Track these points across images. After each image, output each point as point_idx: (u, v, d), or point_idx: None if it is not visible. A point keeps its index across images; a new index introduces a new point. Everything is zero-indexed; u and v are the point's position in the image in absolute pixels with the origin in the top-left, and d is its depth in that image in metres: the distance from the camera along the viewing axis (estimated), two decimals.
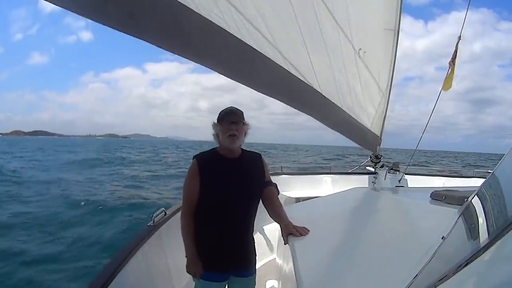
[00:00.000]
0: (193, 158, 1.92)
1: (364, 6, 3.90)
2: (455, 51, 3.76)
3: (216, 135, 1.92)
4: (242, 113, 1.92)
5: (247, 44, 2.34)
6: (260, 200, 1.98)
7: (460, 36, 3.70)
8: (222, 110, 1.92)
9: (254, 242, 2.03)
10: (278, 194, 2.03)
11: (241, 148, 1.98)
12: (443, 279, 0.82)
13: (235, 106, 1.95)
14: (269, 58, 2.59)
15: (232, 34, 2.20)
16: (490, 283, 0.71)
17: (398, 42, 4.48)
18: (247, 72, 2.64)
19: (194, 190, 1.85)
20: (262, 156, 2.07)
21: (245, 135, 1.93)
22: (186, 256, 1.90)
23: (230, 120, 1.86)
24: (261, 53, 2.50)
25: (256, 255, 2.04)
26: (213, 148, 1.98)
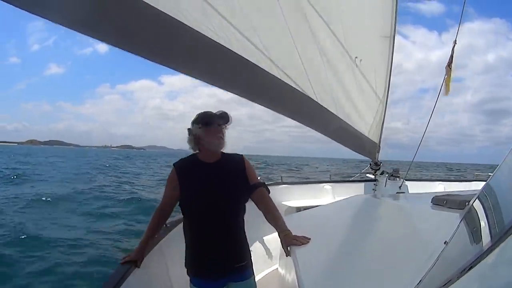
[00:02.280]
0: (173, 166, 1.95)
1: (359, 13, 3.93)
2: (451, 56, 3.78)
3: (196, 139, 1.89)
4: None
5: (238, 54, 2.33)
6: (257, 206, 1.96)
7: (455, 40, 3.72)
8: (206, 113, 1.91)
9: (247, 245, 1.99)
10: (269, 193, 1.99)
11: (221, 152, 1.96)
12: (446, 284, 0.82)
13: (226, 111, 1.94)
14: (262, 68, 2.57)
15: (223, 45, 2.19)
16: (494, 287, 0.71)
17: (394, 49, 4.51)
18: (240, 82, 2.66)
19: (170, 196, 1.93)
20: (245, 157, 2.03)
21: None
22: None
23: (219, 123, 1.88)
24: (253, 63, 2.48)
25: (251, 257, 2.00)
26: (192, 154, 1.97)
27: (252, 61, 2.44)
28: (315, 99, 3.36)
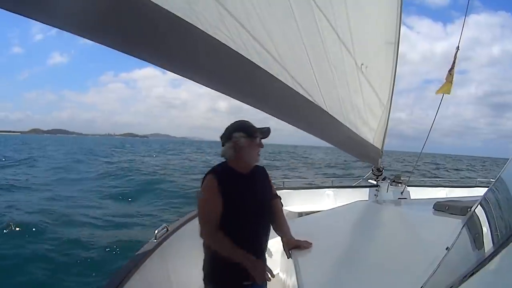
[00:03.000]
0: (206, 174, 1.79)
1: (365, 20, 3.91)
2: (454, 61, 3.80)
3: (238, 148, 1.77)
4: None
5: (256, 64, 2.25)
6: None
7: (458, 46, 3.73)
8: (251, 124, 1.83)
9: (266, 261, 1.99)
10: (282, 206, 2.01)
11: None
12: None
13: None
14: (278, 79, 2.50)
15: (239, 54, 2.09)
16: None
17: (398, 55, 4.52)
18: (255, 94, 2.59)
19: (216, 209, 1.71)
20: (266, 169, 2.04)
21: None
22: (245, 264, 1.71)
23: (263, 137, 1.84)
24: (270, 73, 2.40)
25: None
26: (223, 163, 1.85)
27: (270, 72, 2.39)
28: (326, 109, 3.33)
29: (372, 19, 4.09)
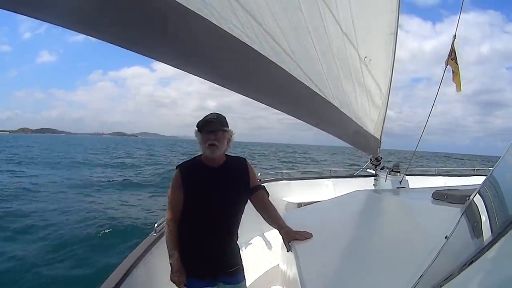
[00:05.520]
0: (176, 168, 1.91)
1: (367, 12, 3.88)
2: (454, 51, 3.73)
3: (199, 143, 1.88)
4: (224, 119, 1.89)
5: (271, 60, 2.17)
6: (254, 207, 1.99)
7: (455, 35, 3.67)
8: (202, 120, 1.86)
9: (239, 249, 2.03)
10: (268, 196, 2.01)
11: (226, 155, 1.95)
12: (448, 278, 0.82)
13: (217, 112, 1.90)
14: (293, 76, 2.46)
15: (251, 47, 2.00)
16: (495, 280, 0.71)
17: (397, 44, 4.48)
18: (266, 91, 2.49)
19: (178, 200, 1.86)
20: (247, 161, 2.04)
21: (228, 141, 1.89)
22: (170, 263, 1.88)
23: (208, 129, 1.82)
24: (285, 70, 2.35)
25: (242, 261, 2.03)
26: (198, 156, 1.95)
27: (284, 68, 2.33)
28: (336, 105, 3.30)
29: (373, 11, 4.06)
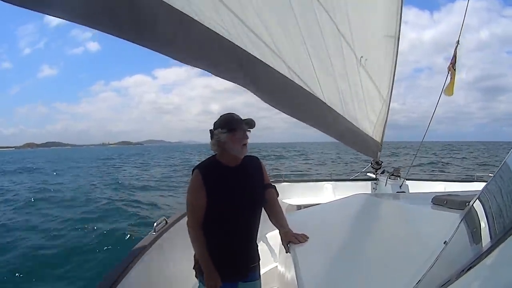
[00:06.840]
0: (193, 170, 1.84)
1: (364, 13, 3.89)
2: (455, 56, 3.74)
3: (220, 143, 1.82)
4: None
5: (250, 53, 2.28)
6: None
7: (458, 41, 3.68)
8: (232, 117, 1.84)
9: (257, 247, 2.03)
10: (277, 196, 2.02)
11: None
12: (446, 284, 0.82)
13: (234, 112, 1.90)
14: (274, 68, 2.54)
15: (233, 43, 2.15)
16: (494, 287, 0.71)
17: (399, 49, 4.49)
18: (251, 81, 2.57)
19: (200, 202, 1.78)
20: (260, 159, 2.05)
21: None
22: (202, 269, 1.84)
23: (250, 128, 1.84)
24: (265, 63, 2.44)
25: (260, 260, 2.03)
26: (212, 157, 1.91)
27: (263, 60, 2.41)
28: (323, 100, 3.35)
29: (372, 12, 4.07)
